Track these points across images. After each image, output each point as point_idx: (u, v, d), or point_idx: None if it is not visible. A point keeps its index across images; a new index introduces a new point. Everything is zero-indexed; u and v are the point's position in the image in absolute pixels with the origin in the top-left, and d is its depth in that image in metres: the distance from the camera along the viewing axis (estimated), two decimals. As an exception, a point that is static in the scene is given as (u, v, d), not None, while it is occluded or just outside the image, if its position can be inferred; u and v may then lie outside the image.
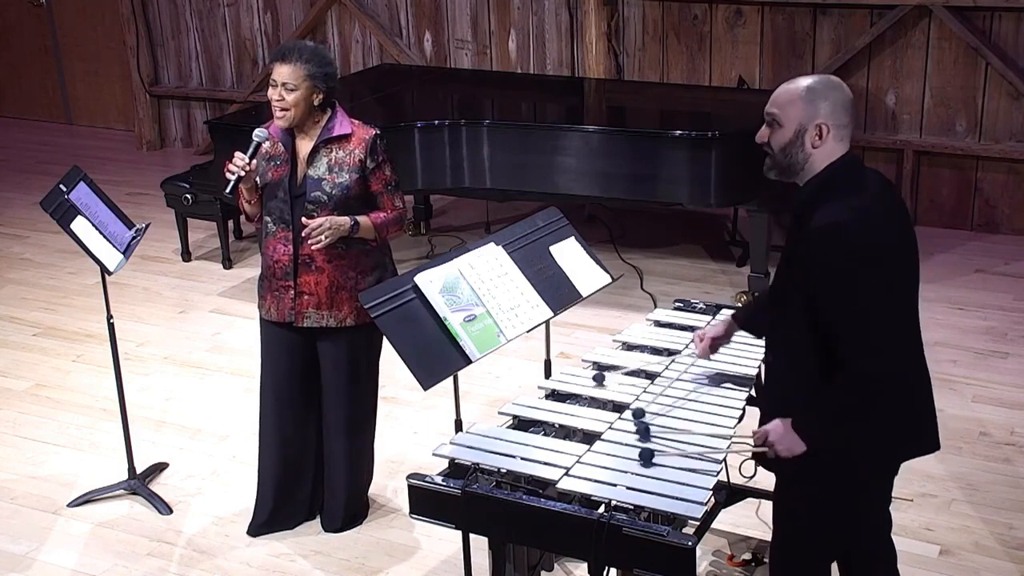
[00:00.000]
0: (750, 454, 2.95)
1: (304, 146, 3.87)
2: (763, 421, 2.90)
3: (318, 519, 4.20)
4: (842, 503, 2.85)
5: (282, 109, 3.76)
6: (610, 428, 3.15)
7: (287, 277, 3.90)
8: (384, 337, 3.96)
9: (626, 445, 3.04)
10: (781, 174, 2.81)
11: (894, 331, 2.70)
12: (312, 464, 4.15)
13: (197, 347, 5.72)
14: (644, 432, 3.07)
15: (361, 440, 4.15)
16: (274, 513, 4.15)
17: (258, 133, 3.82)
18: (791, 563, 2.99)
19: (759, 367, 3.48)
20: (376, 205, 3.91)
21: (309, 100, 3.77)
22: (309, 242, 3.79)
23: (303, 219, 3.79)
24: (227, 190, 3.78)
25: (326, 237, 3.75)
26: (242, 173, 3.76)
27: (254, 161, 3.79)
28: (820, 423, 2.77)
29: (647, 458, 2.94)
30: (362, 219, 3.85)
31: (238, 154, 3.78)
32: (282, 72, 3.74)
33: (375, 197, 3.90)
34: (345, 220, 3.80)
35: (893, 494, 3.03)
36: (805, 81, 2.74)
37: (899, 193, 2.95)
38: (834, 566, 3.10)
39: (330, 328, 3.94)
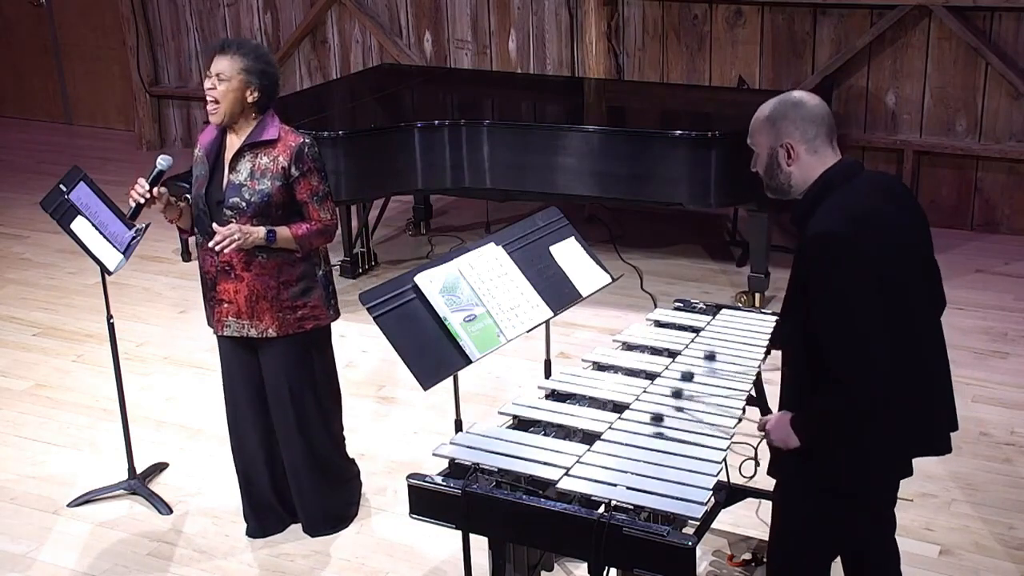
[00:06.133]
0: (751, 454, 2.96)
1: (232, 151, 3.78)
2: None
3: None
4: (841, 503, 2.85)
5: (213, 101, 3.67)
6: (610, 428, 3.15)
7: (214, 288, 3.86)
8: (329, 339, 4.03)
9: (626, 445, 3.04)
10: (776, 194, 2.95)
11: (882, 341, 2.70)
12: (267, 470, 4.09)
13: (197, 347, 5.72)
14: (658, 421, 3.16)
15: (319, 444, 4.04)
16: (257, 518, 4.14)
17: (160, 161, 3.78)
18: (789, 561, 2.99)
19: (759, 367, 3.49)
20: (303, 215, 3.81)
21: (241, 94, 3.67)
22: (215, 247, 3.66)
23: (214, 225, 3.70)
24: (129, 216, 3.78)
25: (233, 243, 3.64)
26: (142, 200, 3.73)
27: (156, 188, 3.74)
28: (808, 424, 2.81)
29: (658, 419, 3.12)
30: (280, 229, 3.72)
31: (140, 180, 3.75)
32: (218, 63, 3.66)
33: (301, 207, 3.79)
34: (258, 230, 3.69)
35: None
36: (767, 107, 2.88)
37: (910, 193, 3.00)
38: (839, 567, 3.10)
39: (255, 337, 3.86)
